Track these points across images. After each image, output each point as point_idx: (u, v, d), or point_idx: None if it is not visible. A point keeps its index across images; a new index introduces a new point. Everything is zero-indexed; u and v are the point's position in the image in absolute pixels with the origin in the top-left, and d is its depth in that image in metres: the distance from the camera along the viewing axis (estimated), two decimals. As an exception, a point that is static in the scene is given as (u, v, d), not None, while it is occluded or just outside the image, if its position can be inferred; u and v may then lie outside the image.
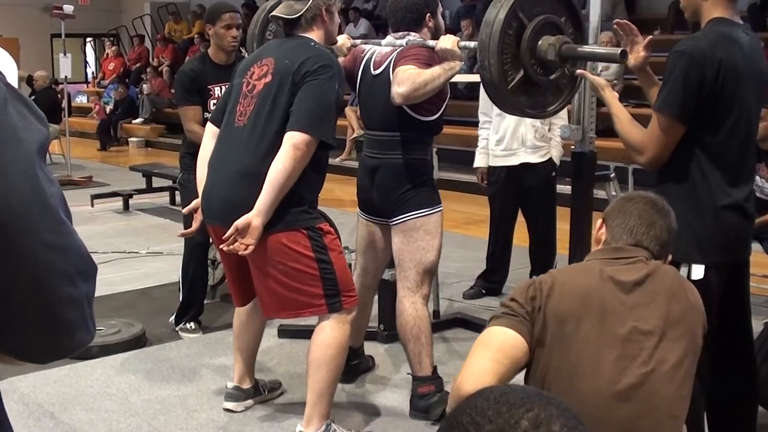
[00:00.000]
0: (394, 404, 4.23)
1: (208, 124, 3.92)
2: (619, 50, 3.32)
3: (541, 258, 5.72)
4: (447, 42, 3.82)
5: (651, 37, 3.35)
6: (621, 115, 3.29)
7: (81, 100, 19.39)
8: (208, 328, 5.37)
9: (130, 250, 7.64)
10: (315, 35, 3.72)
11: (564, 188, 4.91)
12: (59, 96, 13.55)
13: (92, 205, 9.73)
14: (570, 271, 2.51)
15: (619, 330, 2.29)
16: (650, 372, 2.26)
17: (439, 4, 4.22)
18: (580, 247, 4.01)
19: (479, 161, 5.95)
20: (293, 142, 3.43)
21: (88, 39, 24.58)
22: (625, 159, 8.01)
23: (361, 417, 4.08)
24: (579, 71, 3.59)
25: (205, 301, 5.53)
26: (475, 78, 7.65)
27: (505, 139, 5.71)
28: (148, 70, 18.64)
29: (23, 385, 4.40)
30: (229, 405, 4.14)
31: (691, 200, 3.05)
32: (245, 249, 3.42)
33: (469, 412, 1.06)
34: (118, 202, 9.97)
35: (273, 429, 3.99)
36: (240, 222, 3.40)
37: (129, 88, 18.39)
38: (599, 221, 2.60)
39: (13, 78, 1.24)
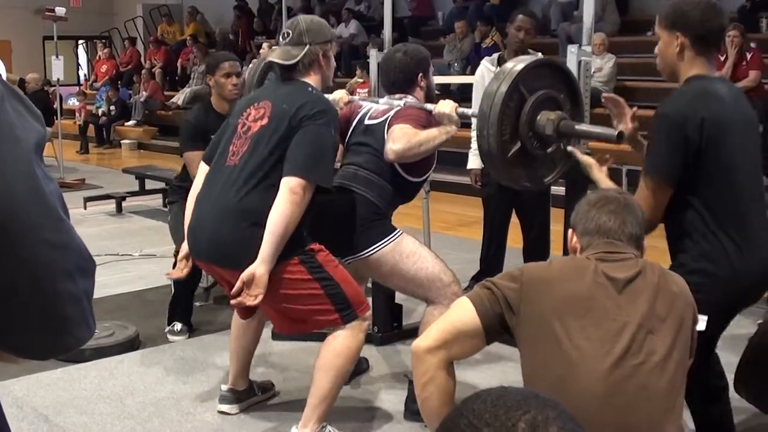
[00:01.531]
0: (389, 406, 4.23)
1: (202, 164, 3.94)
2: (616, 131, 3.36)
3: (535, 259, 5.70)
4: (445, 107, 3.89)
5: (636, 108, 3.40)
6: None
7: (73, 102, 19.37)
8: (202, 331, 5.36)
9: (123, 252, 7.63)
10: (312, 80, 3.74)
11: (558, 189, 4.91)
12: (51, 98, 13.53)
13: (85, 208, 9.71)
14: (563, 266, 2.52)
15: (609, 326, 2.33)
16: (640, 364, 2.30)
17: (430, 64, 4.31)
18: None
19: (473, 162, 5.94)
20: (290, 186, 3.43)
21: (80, 41, 24.54)
22: (618, 161, 8.03)
23: (356, 419, 4.08)
24: (570, 148, 3.62)
25: (198, 304, 5.53)
26: (468, 79, 7.64)
27: (499, 140, 5.70)
28: (142, 72, 18.62)
29: (17, 389, 4.39)
30: (224, 407, 4.14)
31: (703, 262, 3.05)
32: (254, 300, 3.42)
33: (466, 414, 1.06)
34: (110, 205, 9.94)
35: (267, 430, 3.99)
36: (245, 275, 3.39)
37: (119, 90, 18.36)
38: (570, 231, 2.65)
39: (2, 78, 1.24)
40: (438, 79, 14.03)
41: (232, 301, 3.50)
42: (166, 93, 18.32)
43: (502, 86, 3.48)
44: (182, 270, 3.92)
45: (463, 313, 2.49)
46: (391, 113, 3.99)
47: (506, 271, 2.58)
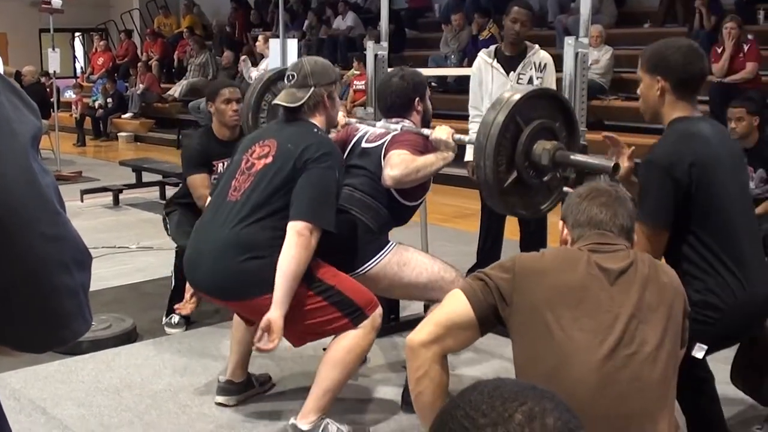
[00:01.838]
0: (386, 398, 4.24)
1: (208, 199, 3.99)
2: (611, 163, 3.37)
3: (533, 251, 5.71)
4: (442, 133, 3.94)
5: (633, 148, 3.40)
6: None
7: (70, 95, 19.35)
8: (199, 323, 5.36)
9: (120, 245, 7.62)
10: (317, 121, 3.77)
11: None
12: (48, 91, 13.49)
13: (82, 201, 9.70)
14: (555, 257, 2.52)
15: (602, 317, 2.34)
16: (633, 354, 2.31)
17: (427, 88, 4.32)
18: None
19: (470, 155, 5.93)
20: (297, 230, 3.46)
21: (77, 34, 24.50)
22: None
23: (353, 411, 4.08)
24: (566, 189, 3.66)
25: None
26: (465, 71, 7.62)
27: (496, 132, 5.70)
28: (138, 65, 18.58)
29: (14, 381, 4.40)
30: (221, 399, 4.15)
31: (707, 296, 3.06)
32: (273, 344, 3.46)
33: (463, 406, 1.06)
34: (107, 197, 9.93)
35: (265, 422, 3.99)
36: (263, 323, 3.42)
37: (116, 83, 18.33)
38: (561, 223, 2.66)
39: None
40: (435, 71, 13.99)
41: (254, 348, 3.56)
42: (162, 85, 18.28)
43: (498, 116, 3.54)
44: (191, 305, 3.97)
45: (456, 305, 2.50)
46: (388, 137, 4.03)
47: (498, 262, 2.58)
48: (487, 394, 1.06)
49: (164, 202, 9.66)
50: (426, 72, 12.72)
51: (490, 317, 2.47)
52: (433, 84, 13.28)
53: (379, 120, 4.26)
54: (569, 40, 4.43)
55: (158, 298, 5.72)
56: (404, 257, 3.93)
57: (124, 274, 6.62)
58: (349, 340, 3.61)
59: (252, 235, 3.53)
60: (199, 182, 5.16)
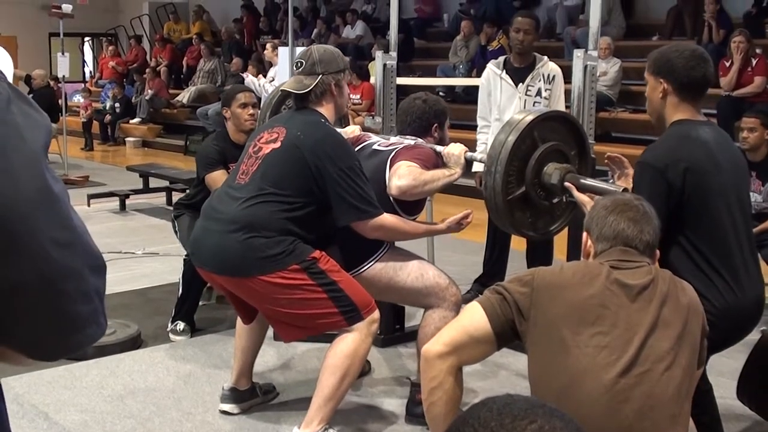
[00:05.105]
0: (391, 409, 4.22)
1: None
2: (621, 188, 3.38)
3: (539, 262, 5.69)
4: (455, 148, 4.02)
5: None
6: None
7: (78, 99, 19.37)
8: (204, 330, 5.35)
9: (126, 250, 7.62)
10: (325, 109, 3.81)
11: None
12: (56, 95, 13.52)
13: (89, 205, 9.71)
14: (575, 272, 2.50)
15: (618, 334, 2.32)
16: (647, 372, 2.29)
17: (448, 118, 4.37)
18: (577, 252, 4.02)
19: (478, 165, 5.93)
20: (369, 229, 3.67)
21: (86, 38, 24.57)
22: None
23: (357, 421, 4.07)
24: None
25: (201, 303, 5.52)
26: (473, 81, 7.60)
27: (504, 143, 5.70)
28: (147, 71, 18.62)
29: (18, 385, 4.39)
30: (225, 407, 4.13)
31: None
32: None
33: (472, 422, 1.05)
34: (114, 202, 9.94)
35: (268, 431, 3.99)
36: None
37: (125, 87, 18.36)
38: (584, 234, 2.64)
39: (8, 76, 1.25)
40: (444, 81, 13.96)
41: None
42: (171, 91, 18.33)
43: (510, 137, 3.58)
44: None
45: (474, 318, 2.49)
46: (400, 146, 4.06)
47: (517, 276, 2.57)
48: (497, 411, 1.05)
49: (171, 208, 9.72)
50: (434, 82, 12.67)
51: (508, 331, 2.46)
52: (441, 93, 13.29)
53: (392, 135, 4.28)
54: (578, 53, 4.43)
55: (164, 304, 5.72)
56: (400, 261, 3.95)
57: (130, 279, 6.61)
58: (347, 345, 3.60)
59: (259, 214, 3.55)
60: (219, 177, 5.10)
